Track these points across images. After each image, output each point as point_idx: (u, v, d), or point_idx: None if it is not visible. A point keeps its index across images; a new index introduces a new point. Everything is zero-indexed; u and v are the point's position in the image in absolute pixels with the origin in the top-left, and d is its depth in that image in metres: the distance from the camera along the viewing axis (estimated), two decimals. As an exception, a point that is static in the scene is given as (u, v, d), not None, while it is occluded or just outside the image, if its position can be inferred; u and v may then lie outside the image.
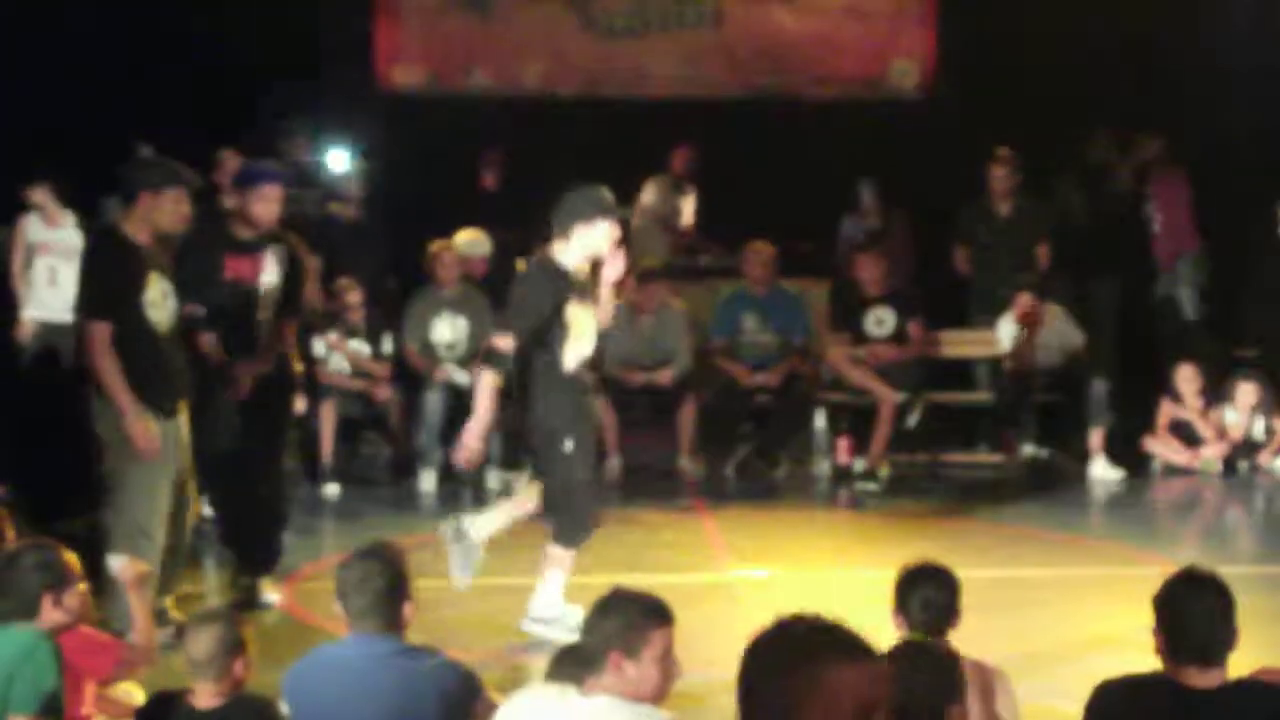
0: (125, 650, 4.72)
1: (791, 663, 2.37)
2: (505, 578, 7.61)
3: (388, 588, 4.05)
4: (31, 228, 9.70)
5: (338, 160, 11.46)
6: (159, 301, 6.30)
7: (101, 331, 6.14)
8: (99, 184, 10.10)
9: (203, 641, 4.07)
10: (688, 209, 11.61)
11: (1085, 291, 11.09)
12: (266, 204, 6.99)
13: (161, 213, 6.31)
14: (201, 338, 6.87)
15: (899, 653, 3.86)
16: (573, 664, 3.64)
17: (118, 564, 4.88)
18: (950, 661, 3.90)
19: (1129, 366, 10.76)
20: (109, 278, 6.24)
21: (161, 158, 6.54)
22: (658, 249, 11.30)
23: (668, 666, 3.56)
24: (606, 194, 6.49)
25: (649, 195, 11.63)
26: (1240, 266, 11.08)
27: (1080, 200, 11.36)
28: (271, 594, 7.08)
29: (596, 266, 6.52)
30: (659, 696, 3.55)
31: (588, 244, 6.40)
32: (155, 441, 6.20)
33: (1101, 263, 11.18)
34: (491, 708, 3.99)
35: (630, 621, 3.54)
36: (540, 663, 5.90)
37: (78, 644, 4.48)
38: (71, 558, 4.49)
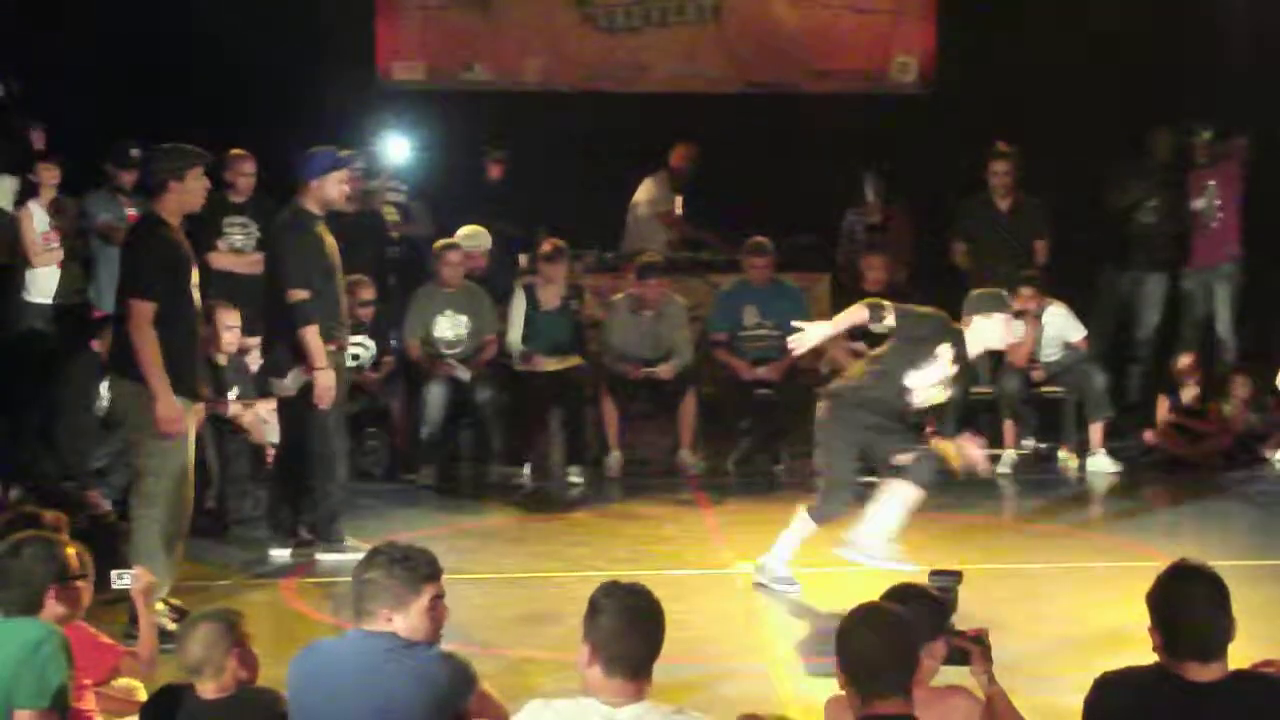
0: (125, 657, 4.71)
1: None
2: (504, 573, 7.65)
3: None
4: (37, 216, 9.67)
5: (399, 149, 11.46)
6: (197, 285, 6.45)
7: (148, 311, 6.21)
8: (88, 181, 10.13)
9: (194, 645, 4.01)
10: (678, 203, 11.69)
11: (1137, 287, 11.05)
12: (343, 187, 7.36)
13: (192, 195, 6.47)
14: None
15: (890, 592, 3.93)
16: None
17: (127, 576, 4.82)
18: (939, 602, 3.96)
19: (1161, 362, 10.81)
20: (158, 261, 6.31)
21: (175, 145, 6.53)
22: (657, 244, 11.32)
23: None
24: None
25: (646, 191, 11.67)
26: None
27: (1148, 198, 11.10)
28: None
29: None
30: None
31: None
32: (180, 425, 6.29)
33: (1158, 258, 11.06)
34: (486, 699, 4.03)
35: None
36: (545, 655, 5.95)
37: (78, 641, 4.45)
38: (72, 550, 4.46)
